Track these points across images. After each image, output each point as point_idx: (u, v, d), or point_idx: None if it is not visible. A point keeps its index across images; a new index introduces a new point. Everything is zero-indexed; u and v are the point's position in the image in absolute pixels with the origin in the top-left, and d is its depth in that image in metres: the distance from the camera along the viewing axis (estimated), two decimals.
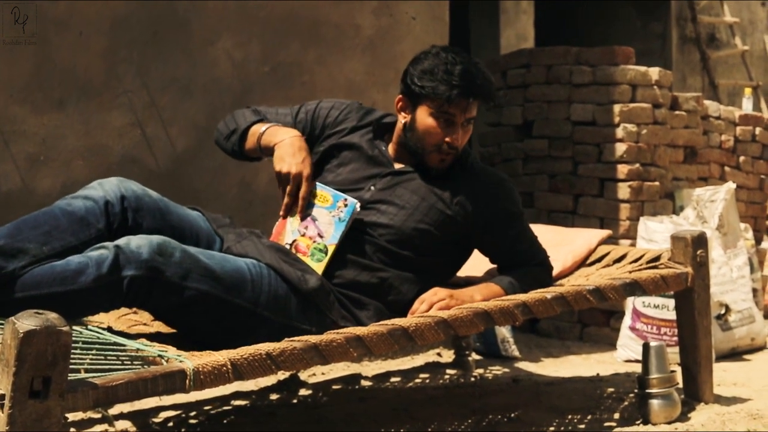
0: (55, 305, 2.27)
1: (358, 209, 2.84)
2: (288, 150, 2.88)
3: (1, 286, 2.43)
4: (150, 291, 2.51)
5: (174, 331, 2.80)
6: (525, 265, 3.08)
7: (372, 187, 2.96)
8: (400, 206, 2.93)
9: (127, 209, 2.73)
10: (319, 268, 2.82)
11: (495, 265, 3.16)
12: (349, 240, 2.87)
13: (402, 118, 3.00)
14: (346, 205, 2.83)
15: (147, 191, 2.82)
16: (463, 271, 3.22)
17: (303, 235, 2.86)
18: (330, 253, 2.83)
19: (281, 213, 2.89)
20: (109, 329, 2.65)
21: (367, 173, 3.00)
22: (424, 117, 2.92)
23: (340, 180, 2.98)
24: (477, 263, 3.25)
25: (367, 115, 3.12)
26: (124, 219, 2.72)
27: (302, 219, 2.86)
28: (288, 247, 2.86)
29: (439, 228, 2.94)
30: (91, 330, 2.52)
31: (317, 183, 2.89)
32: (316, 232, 2.84)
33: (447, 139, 2.91)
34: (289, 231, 2.88)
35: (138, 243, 2.50)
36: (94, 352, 2.32)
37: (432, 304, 2.84)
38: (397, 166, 3.02)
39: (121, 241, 2.50)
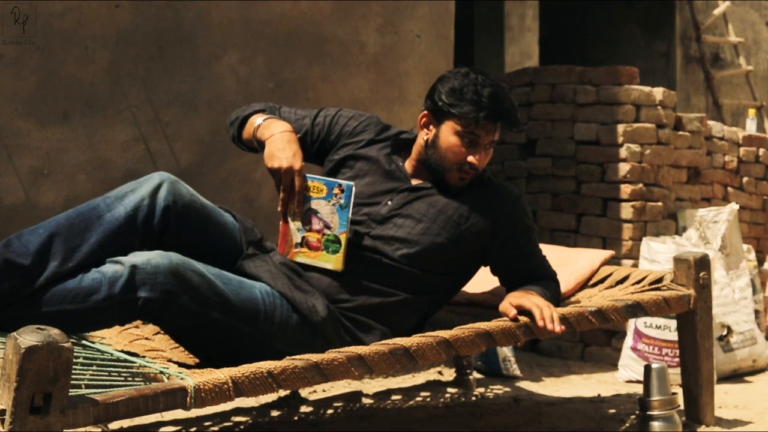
0: (64, 322, 2.29)
1: (355, 190, 2.81)
2: (277, 145, 2.83)
3: (14, 304, 2.41)
4: (163, 312, 2.50)
5: (177, 346, 2.80)
6: (538, 280, 3.08)
7: (389, 202, 2.95)
8: (417, 219, 2.93)
9: (169, 219, 2.68)
10: (338, 260, 2.80)
11: (502, 285, 3.14)
12: (362, 261, 2.86)
13: (424, 134, 2.99)
14: (342, 191, 2.80)
15: (194, 198, 2.77)
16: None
17: (309, 231, 2.82)
18: (343, 242, 2.80)
19: (279, 209, 2.84)
20: (111, 345, 2.65)
21: (383, 188, 2.99)
22: (448, 135, 2.92)
23: (356, 192, 2.97)
24: (476, 283, 3.26)
25: (385, 130, 3.11)
26: (163, 228, 2.67)
27: (303, 214, 2.82)
28: (298, 247, 2.82)
29: (455, 241, 2.93)
30: (92, 345, 2.51)
31: (307, 175, 2.83)
32: (322, 224, 2.81)
33: (469, 159, 2.91)
34: (295, 230, 2.84)
35: (156, 263, 2.47)
36: (95, 367, 2.31)
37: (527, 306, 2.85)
38: (414, 182, 3.02)
39: (139, 260, 2.47)
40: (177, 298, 2.48)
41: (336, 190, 2.80)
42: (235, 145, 3.11)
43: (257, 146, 2.94)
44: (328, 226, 2.81)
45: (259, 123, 2.93)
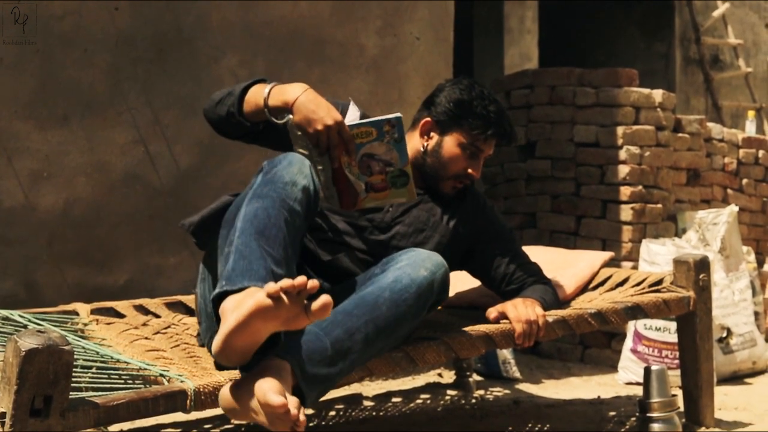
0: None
1: (401, 117, 2.70)
2: (309, 107, 2.61)
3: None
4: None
5: (177, 344, 2.79)
6: (525, 279, 3.08)
7: (390, 209, 2.97)
8: (419, 228, 2.96)
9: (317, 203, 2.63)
10: (409, 191, 2.74)
11: (496, 293, 3.15)
12: (366, 268, 2.83)
13: (424, 142, 3.02)
14: (393, 125, 2.67)
15: None
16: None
17: (371, 176, 2.71)
18: (409, 172, 2.72)
19: (334, 166, 2.67)
20: (111, 347, 2.65)
21: None
22: (452, 145, 2.97)
23: None
24: (476, 286, 3.25)
25: None
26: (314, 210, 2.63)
27: (358, 163, 2.68)
28: (364, 194, 2.72)
29: (449, 247, 2.96)
30: (92, 348, 2.51)
31: (348, 124, 2.68)
32: (381, 165, 2.70)
33: (469, 171, 2.98)
34: (356, 180, 2.70)
35: (447, 268, 2.61)
36: (95, 370, 2.31)
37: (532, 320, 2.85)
38: None
39: (439, 263, 2.57)
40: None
41: (386, 128, 2.68)
42: (219, 126, 2.90)
43: (268, 115, 2.68)
44: (389, 164, 2.71)
45: (267, 91, 2.69)
